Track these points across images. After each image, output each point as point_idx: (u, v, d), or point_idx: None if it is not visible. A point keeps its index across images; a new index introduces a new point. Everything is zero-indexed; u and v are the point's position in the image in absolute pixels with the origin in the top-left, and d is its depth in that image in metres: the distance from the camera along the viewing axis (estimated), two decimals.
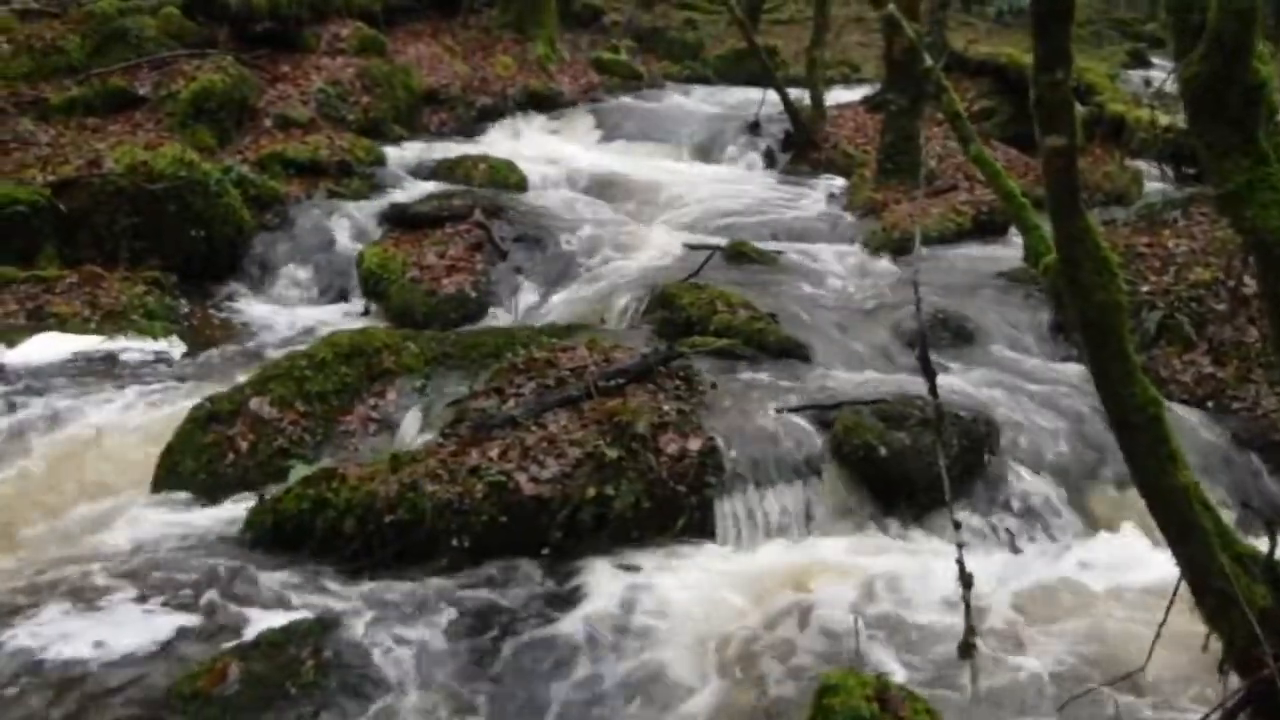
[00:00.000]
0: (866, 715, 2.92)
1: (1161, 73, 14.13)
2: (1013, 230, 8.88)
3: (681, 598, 4.50)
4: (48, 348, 6.48)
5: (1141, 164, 10.41)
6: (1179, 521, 2.78)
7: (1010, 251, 8.48)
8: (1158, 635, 2.81)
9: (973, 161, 3.25)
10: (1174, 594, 2.84)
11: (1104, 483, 5.29)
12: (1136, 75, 14.47)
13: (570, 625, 4.35)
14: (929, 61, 3.64)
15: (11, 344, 6.41)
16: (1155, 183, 10.17)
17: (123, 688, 3.85)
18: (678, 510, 4.94)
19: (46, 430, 5.66)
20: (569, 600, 4.51)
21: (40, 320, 6.76)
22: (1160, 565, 4.07)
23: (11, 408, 5.81)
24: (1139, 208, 8.77)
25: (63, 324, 6.78)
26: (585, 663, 4.15)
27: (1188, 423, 5.74)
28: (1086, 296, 2.65)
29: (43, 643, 4.07)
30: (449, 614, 4.38)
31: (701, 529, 4.95)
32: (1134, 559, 4.71)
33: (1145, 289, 6.82)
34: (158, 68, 10.63)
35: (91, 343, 6.64)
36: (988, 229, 9.09)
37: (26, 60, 10.43)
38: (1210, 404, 6.08)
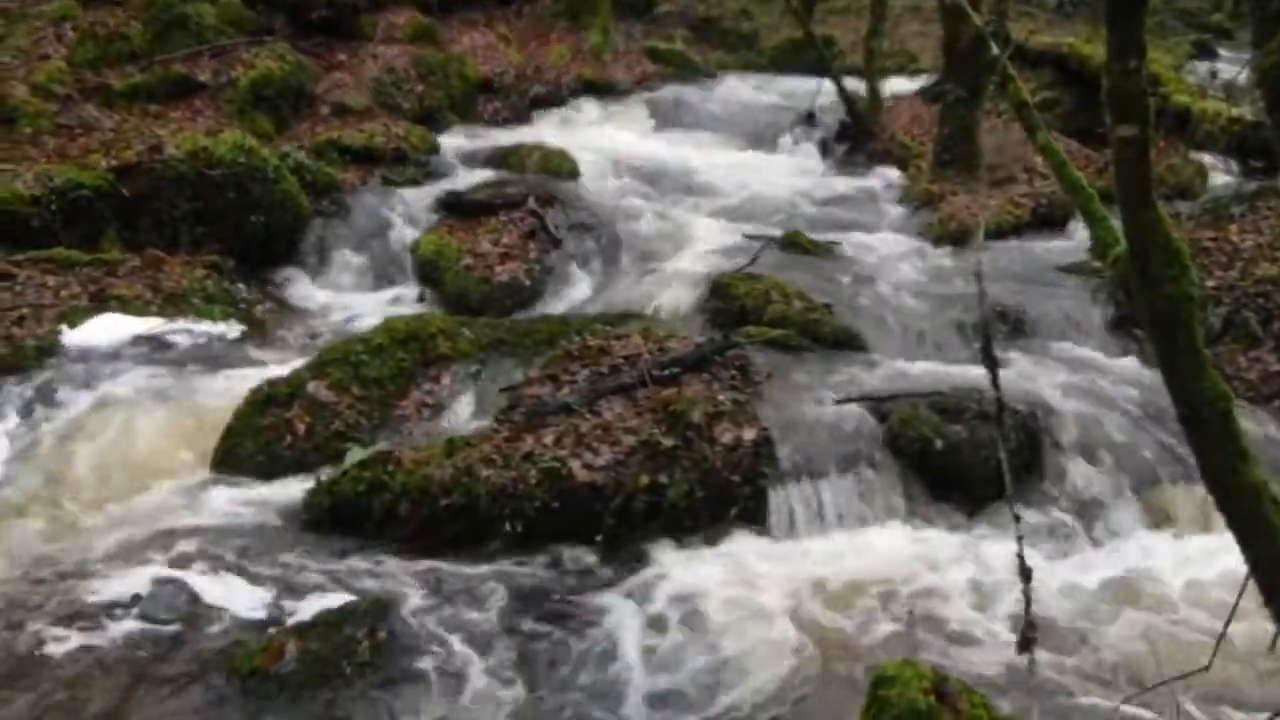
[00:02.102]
0: (924, 708, 2.89)
1: (1227, 64, 13.86)
2: (1072, 224, 8.78)
3: (733, 587, 4.49)
4: (109, 329, 6.57)
5: (1206, 157, 10.21)
6: (1248, 519, 2.72)
7: (1069, 245, 8.37)
8: (1222, 634, 2.75)
9: (1040, 151, 3.20)
10: (1240, 592, 2.77)
11: (1164, 479, 5.20)
12: (1202, 67, 14.18)
13: (621, 612, 4.36)
14: (995, 50, 3.58)
15: (74, 325, 6.51)
16: (1220, 176, 9.97)
17: (183, 663, 3.92)
18: (731, 500, 4.93)
19: (109, 410, 5.75)
20: (620, 587, 4.53)
21: (103, 302, 6.84)
22: (1225, 563, 4.02)
23: (75, 387, 5.91)
24: (1204, 201, 8.61)
25: (124, 306, 6.86)
26: (635, 649, 4.16)
27: (1252, 421, 5.63)
28: (1156, 288, 2.59)
29: (104, 617, 4.15)
30: (502, 597, 4.41)
31: (755, 519, 4.94)
32: (1196, 556, 4.64)
33: (1210, 284, 6.70)
34: (217, 55, 10.74)
35: (152, 325, 6.73)
36: (1046, 222, 8.97)
37: (91, 47, 10.57)
38: (1276, 402, 5.96)
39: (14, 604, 4.25)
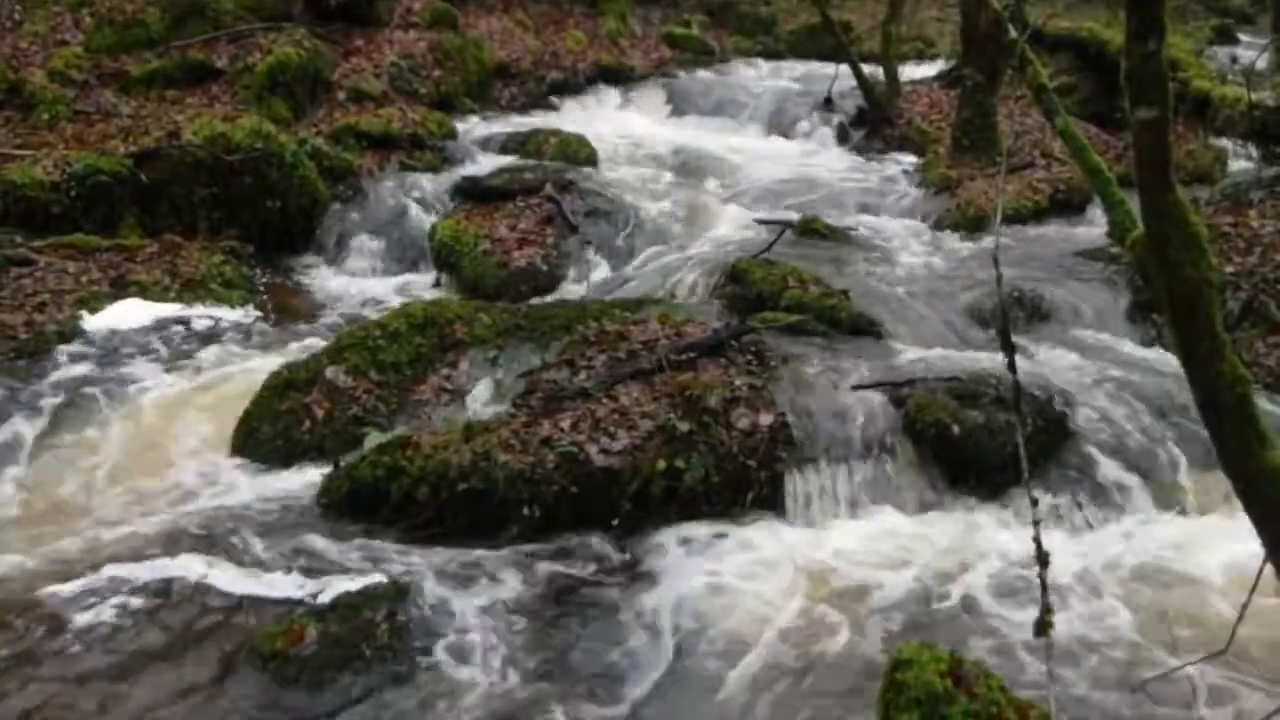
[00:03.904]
0: (940, 690, 2.90)
1: (1248, 49, 13.75)
2: (1090, 210, 8.74)
3: (750, 572, 4.50)
4: (129, 315, 6.62)
5: (1225, 142, 10.14)
6: (1266, 503, 2.71)
7: (1088, 231, 8.35)
8: (1240, 617, 2.75)
9: (1059, 134, 3.19)
10: (1258, 576, 2.77)
11: (1183, 464, 5.18)
12: (1222, 52, 14.08)
13: (638, 596, 4.37)
14: (1014, 33, 3.57)
15: (95, 311, 6.56)
16: (1240, 162, 9.91)
17: (203, 646, 3.95)
18: (748, 485, 4.94)
19: (128, 395, 5.79)
20: (637, 571, 4.54)
21: (122, 288, 6.89)
22: (1242, 548, 4.02)
23: (95, 373, 5.95)
24: (1223, 187, 8.56)
25: (144, 292, 6.91)
26: (652, 634, 4.17)
27: (1271, 406, 5.60)
28: (1174, 273, 2.58)
29: (123, 599, 4.18)
30: (519, 582, 4.43)
31: (771, 504, 4.94)
32: (1214, 540, 4.62)
33: (1229, 270, 6.67)
34: (235, 41, 10.77)
35: (171, 310, 6.78)
36: (1065, 208, 8.94)
37: (109, 33, 10.61)
38: None
39: (33, 586, 4.28)
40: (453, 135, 10.33)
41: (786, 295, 6.47)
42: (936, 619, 3.98)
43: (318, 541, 4.62)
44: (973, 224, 8.50)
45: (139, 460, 5.34)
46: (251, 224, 8.12)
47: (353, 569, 4.43)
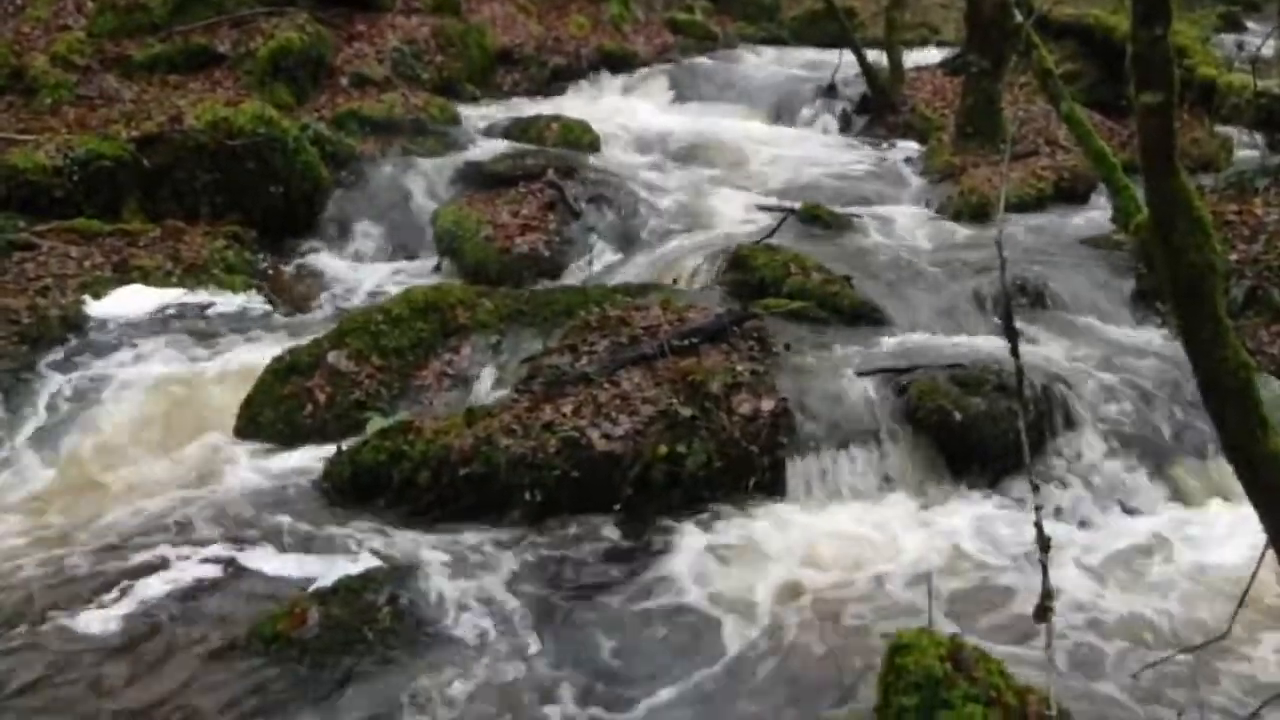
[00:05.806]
0: (940, 675, 2.91)
1: (1255, 37, 13.70)
2: (1095, 197, 8.73)
3: (752, 557, 4.51)
4: (132, 300, 6.62)
5: (1231, 130, 10.11)
6: (1268, 489, 2.71)
7: (1092, 219, 8.32)
8: (1240, 603, 2.76)
9: (1065, 120, 3.18)
10: (1259, 562, 2.78)
11: (1184, 452, 5.18)
12: (1229, 39, 14.04)
13: (639, 581, 4.38)
14: (1019, 19, 3.56)
15: (98, 296, 6.56)
16: (1245, 150, 9.88)
17: (206, 628, 3.96)
18: (749, 470, 4.94)
19: (131, 379, 5.79)
20: (639, 556, 4.54)
21: (125, 273, 6.89)
22: (1244, 535, 4.02)
23: (98, 357, 5.96)
24: (1228, 175, 8.53)
25: (146, 277, 6.91)
26: (653, 618, 4.18)
27: (1274, 395, 5.60)
28: (1179, 258, 2.58)
29: (126, 583, 4.19)
30: (521, 565, 4.44)
31: (773, 489, 4.95)
32: (1215, 527, 4.63)
33: (1233, 258, 6.65)
34: (237, 26, 10.75)
35: (174, 295, 6.78)
36: (1069, 195, 8.92)
37: (111, 18, 10.59)
38: None
39: (39, 571, 4.30)
40: (455, 121, 10.32)
41: (789, 281, 6.46)
42: (937, 604, 3.97)
43: (320, 525, 4.63)
44: (976, 211, 8.48)
45: (141, 443, 5.35)
46: (254, 209, 8.10)
47: (354, 552, 4.44)
